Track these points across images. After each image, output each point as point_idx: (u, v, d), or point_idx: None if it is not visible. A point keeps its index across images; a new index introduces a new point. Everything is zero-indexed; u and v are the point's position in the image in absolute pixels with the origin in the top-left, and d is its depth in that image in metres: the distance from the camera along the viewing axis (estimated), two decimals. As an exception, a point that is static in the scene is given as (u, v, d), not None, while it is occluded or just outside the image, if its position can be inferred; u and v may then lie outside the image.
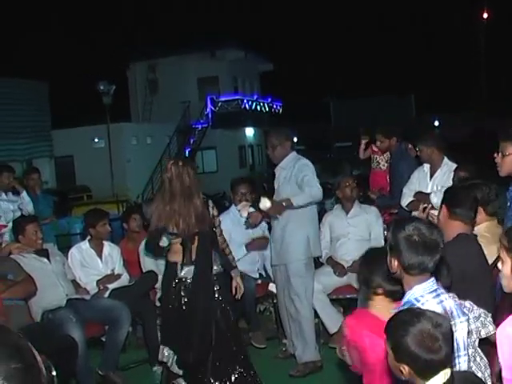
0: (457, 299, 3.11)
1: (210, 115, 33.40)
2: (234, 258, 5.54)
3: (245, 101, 34.82)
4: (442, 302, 2.80)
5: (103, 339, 6.17)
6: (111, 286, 6.46)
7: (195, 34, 38.90)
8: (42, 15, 53.11)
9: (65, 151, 29.10)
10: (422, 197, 6.26)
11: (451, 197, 4.24)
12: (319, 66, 67.74)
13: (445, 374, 2.39)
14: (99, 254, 6.60)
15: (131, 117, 36.50)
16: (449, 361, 2.42)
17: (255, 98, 36.70)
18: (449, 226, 4.06)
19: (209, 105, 33.61)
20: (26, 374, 1.22)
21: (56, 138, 29.38)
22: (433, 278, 2.87)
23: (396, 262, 2.85)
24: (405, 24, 71.69)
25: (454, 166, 6.44)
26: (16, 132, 26.61)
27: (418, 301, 2.76)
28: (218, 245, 5.31)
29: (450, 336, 2.42)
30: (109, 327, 6.01)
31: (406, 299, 2.83)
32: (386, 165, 8.05)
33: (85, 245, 6.64)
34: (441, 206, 4.24)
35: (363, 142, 8.65)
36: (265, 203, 5.60)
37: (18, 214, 7.29)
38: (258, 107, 36.45)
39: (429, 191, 6.40)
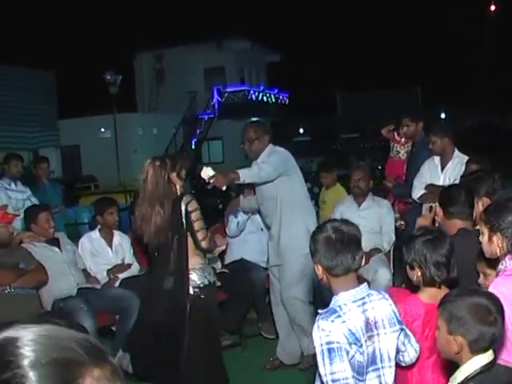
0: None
1: (216, 106, 33.40)
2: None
3: (251, 92, 34.80)
4: (365, 311, 2.73)
5: (113, 328, 6.18)
6: (121, 276, 6.45)
7: (202, 25, 38.83)
8: (51, 6, 53.08)
9: (71, 141, 29.14)
10: (434, 189, 6.21)
11: (443, 197, 4.27)
12: (326, 57, 67.58)
13: (489, 355, 2.52)
14: (109, 243, 6.60)
15: (137, 107, 36.51)
16: (498, 338, 2.54)
17: (262, 88, 36.63)
18: (448, 225, 4.10)
19: (215, 95, 33.60)
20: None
21: (62, 128, 29.36)
22: (364, 285, 2.82)
23: (320, 267, 2.79)
24: (412, 18, 71.48)
25: (466, 158, 6.40)
26: (23, 121, 26.59)
27: (341, 309, 2.70)
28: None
29: (502, 312, 2.51)
30: (119, 316, 6.01)
31: (330, 306, 2.77)
32: (405, 155, 7.91)
33: (95, 234, 6.64)
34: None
35: (390, 127, 8.38)
36: (207, 172, 4.89)
37: (29, 203, 7.28)
38: (265, 98, 36.40)
39: (441, 183, 6.36)
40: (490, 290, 2.94)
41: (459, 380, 2.56)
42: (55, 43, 44.79)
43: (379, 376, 2.76)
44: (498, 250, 3.09)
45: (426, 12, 70.34)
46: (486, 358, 2.52)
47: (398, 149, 8.09)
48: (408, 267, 3.23)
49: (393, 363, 2.81)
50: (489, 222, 3.10)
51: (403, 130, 7.58)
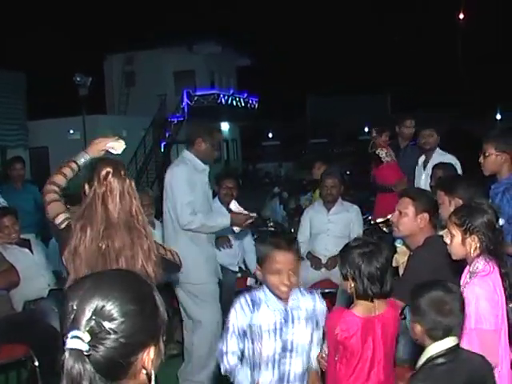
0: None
1: (185, 109, 33.33)
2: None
3: (221, 95, 34.84)
4: None
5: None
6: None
7: (173, 28, 38.77)
8: (20, 7, 52.56)
9: (40, 142, 28.89)
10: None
11: (433, 204, 4.33)
12: (296, 62, 67.93)
13: (453, 340, 2.72)
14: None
15: (107, 109, 36.32)
16: (457, 328, 2.74)
17: (231, 92, 36.72)
18: (426, 232, 4.18)
19: (185, 98, 33.55)
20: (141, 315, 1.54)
21: (31, 129, 29.13)
22: None
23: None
24: (383, 25, 72.12)
25: (445, 154, 6.75)
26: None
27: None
28: None
29: (460, 304, 2.75)
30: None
31: None
32: (389, 157, 7.73)
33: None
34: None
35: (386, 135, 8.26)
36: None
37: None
38: (234, 102, 36.49)
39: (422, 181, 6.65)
40: (467, 290, 3.06)
41: (422, 361, 2.78)
42: (25, 44, 44.39)
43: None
44: (472, 252, 3.17)
45: (397, 18, 70.89)
46: (447, 343, 2.72)
47: (384, 153, 7.87)
48: (342, 278, 3.22)
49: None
50: (463, 225, 3.17)
51: (403, 129, 7.81)
